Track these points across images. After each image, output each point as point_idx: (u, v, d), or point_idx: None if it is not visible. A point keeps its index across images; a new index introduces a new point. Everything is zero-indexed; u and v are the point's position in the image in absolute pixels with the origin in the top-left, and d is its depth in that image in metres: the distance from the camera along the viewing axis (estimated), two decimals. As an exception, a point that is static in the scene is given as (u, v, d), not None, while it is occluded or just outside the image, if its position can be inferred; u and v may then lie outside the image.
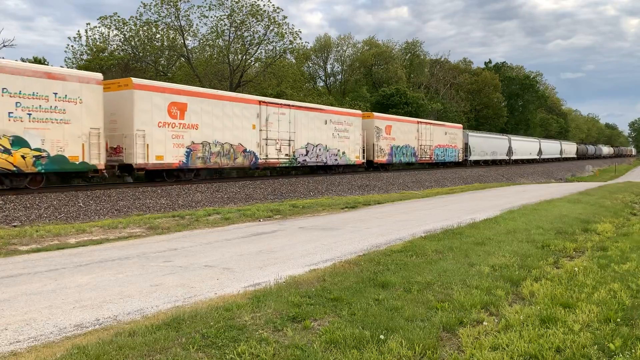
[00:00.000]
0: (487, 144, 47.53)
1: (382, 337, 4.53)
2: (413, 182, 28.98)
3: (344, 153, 27.75)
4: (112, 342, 4.38)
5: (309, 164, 25.63)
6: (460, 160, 41.44)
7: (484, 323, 5.03)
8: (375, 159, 30.60)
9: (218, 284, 6.75)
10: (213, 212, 14.56)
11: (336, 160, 27.17)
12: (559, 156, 71.95)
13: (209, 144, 19.84)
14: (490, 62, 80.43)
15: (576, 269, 7.17)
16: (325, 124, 26.31)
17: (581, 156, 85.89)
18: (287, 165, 23.94)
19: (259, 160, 22.05)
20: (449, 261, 7.59)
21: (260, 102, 22.50)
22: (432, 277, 6.57)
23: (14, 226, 12.12)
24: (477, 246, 8.80)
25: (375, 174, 29.39)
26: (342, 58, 57.69)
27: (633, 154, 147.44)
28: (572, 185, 30.70)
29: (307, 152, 25.07)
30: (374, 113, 31.59)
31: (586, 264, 7.54)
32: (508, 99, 72.92)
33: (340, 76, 58.79)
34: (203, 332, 4.61)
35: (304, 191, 21.53)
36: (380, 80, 55.35)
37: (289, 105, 24.26)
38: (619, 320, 5.02)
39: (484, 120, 66.51)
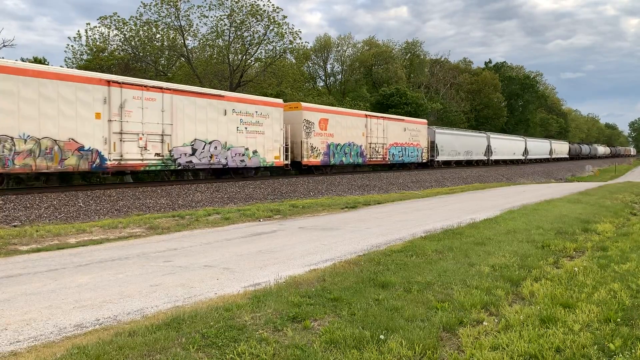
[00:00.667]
0: (460, 143, 42.29)
1: (382, 337, 4.53)
2: (413, 182, 28.98)
3: (255, 152, 21.96)
4: (112, 342, 4.38)
5: (197, 167, 19.92)
6: (424, 160, 36.32)
7: (484, 323, 5.03)
8: (305, 159, 25.06)
9: (218, 284, 6.75)
10: (213, 212, 14.56)
11: (243, 161, 21.42)
12: (548, 156, 66.86)
13: (11, 139, 14.44)
14: (490, 62, 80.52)
15: (576, 269, 7.17)
16: (225, 114, 20.74)
17: (574, 156, 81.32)
18: (159, 168, 18.61)
19: (108, 162, 16.71)
20: (449, 261, 7.59)
21: (109, 83, 16.99)
22: (432, 277, 6.57)
23: (14, 226, 12.12)
24: (477, 246, 8.80)
25: (376, 174, 29.36)
26: (342, 58, 57.72)
27: (632, 153, 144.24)
28: (572, 185, 30.70)
29: (195, 151, 19.53)
30: (302, 103, 25.70)
31: (586, 264, 7.54)
32: (508, 99, 72.92)
33: (340, 76, 58.82)
34: (203, 332, 4.61)
35: (304, 191, 21.53)
36: (380, 80, 55.35)
37: (160, 88, 18.58)
38: (619, 320, 5.02)
39: (484, 120, 66.52)
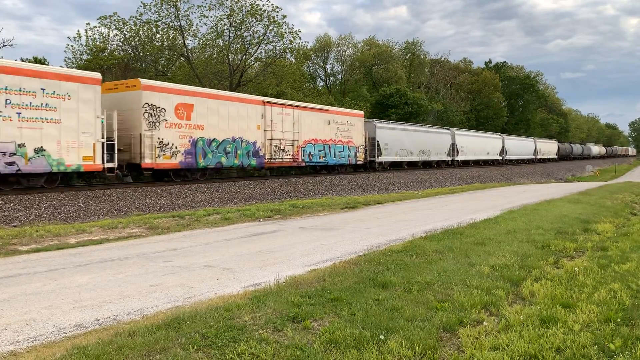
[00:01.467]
0: (412, 140, 35.18)
1: (382, 337, 4.53)
2: (413, 182, 28.97)
3: (40, 150, 14.70)
4: (112, 342, 4.38)
5: None
6: (360, 162, 29.30)
7: (484, 323, 5.03)
8: (148, 161, 17.63)
9: (218, 284, 6.74)
10: (213, 212, 14.56)
11: (14, 164, 14.20)
12: (532, 157, 60.23)
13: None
14: (490, 62, 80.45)
15: (576, 269, 7.16)
16: None
17: (564, 157, 74.84)
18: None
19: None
20: (449, 261, 7.59)
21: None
22: (432, 277, 6.56)
23: (14, 226, 12.11)
24: (477, 246, 8.79)
25: (376, 174, 29.28)
26: (342, 58, 57.71)
27: (629, 153, 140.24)
28: (572, 185, 30.70)
29: None
30: (142, 80, 18.11)
31: (586, 264, 7.54)
32: (508, 99, 72.88)
33: (340, 76, 58.80)
34: (203, 332, 4.61)
35: (304, 191, 21.53)
36: (380, 80, 55.34)
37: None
38: (619, 320, 5.02)
39: (484, 120, 66.48)
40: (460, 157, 41.70)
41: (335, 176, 26.26)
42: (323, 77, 59.33)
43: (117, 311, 5.56)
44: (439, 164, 38.47)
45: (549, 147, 67.33)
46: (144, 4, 35.31)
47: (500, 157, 50.61)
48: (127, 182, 18.41)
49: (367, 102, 47.71)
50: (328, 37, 57.93)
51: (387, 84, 52.08)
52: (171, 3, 35.71)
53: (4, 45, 30.70)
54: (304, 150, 24.83)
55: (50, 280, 6.98)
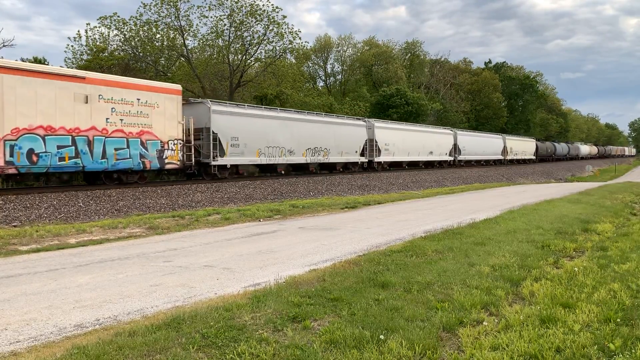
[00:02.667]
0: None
1: (382, 337, 4.53)
2: (413, 182, 28.97)
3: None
4: (112, 342, 4.38)
5: None
6: (175, 166, 19.02)
7: (484, 323, 5.03)
8: None
9: (218, 284, 6.75)
10: (213, 212, 14.56)
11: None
12: (500, 157, 49.09)
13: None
14: (490, 62, 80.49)
15: (576, 269, 7.17)
16: None
17: (546, 158, 64.07)
18: None
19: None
20: (449, 261, 7.59)
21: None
22: (432, 277, 6.57)
23: (14, 226, 12.11)
24: (477, 246, 8.80)
25: (376, 174, 29.35)
26: (342, 58, 57.74)
27: (626, 153, 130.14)
28: (572, 185, 30.71)
29: None
30: None
31: (586, 264, 7.54)
32: (508, 99, 72.90)
33: (340, 76, 58.83)
34: (203, 332, 4.61)
35: (304, 191, 21.53)
36: (380, 80, 55.36)
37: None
38: (619, 320, 5.02)
39: (484, 121, 66.50)
40: (385, 158, 31.96)
41: (336, 176, 26.30)
42: (323, 77, 59.40)
43: (118, 311, 5.56)
44: (351, 167, 30.16)
45: (523, 146, 56.38)
46: (144, 4, 35.37)
47: (451, 158, 39.89)
48: (127, 182, 18.35)
49: (367, 102, 47.73)
50: (328, 37, 58.03)
51: (387, 84, 52.11)
52: (171, 3, 35.74)
53: (4, 46, 30.71)
54: (11, 147, 14.33)
55: (51, 280, 6.98)
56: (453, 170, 37.46)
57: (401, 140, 33.45)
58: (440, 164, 39.54)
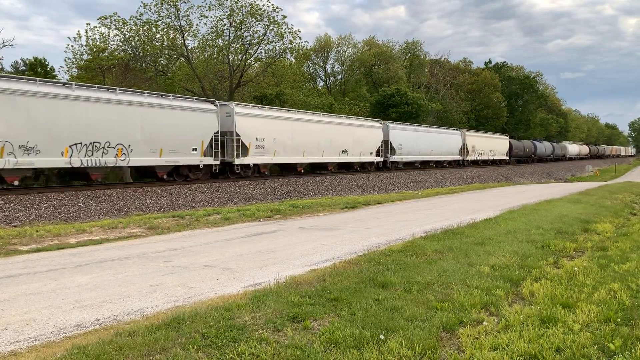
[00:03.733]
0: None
1: (382, 337, 4.53)
2: (413, 182, 28.97)
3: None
4: (112, 342, 4.38)
5: None
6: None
7: (484, 323, 5.03)
8: None
9: (218, 284, 6.75)
10: (213, 212, 14.56)
11: None
12: (456, 158, 40.84)
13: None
14: (490, 62, 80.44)
15: (576, 269, 7.17)
16: None
17: (522, 159, 56.04)
18: None
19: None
20: (449, 261, 7.59)
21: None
22: (432, 277, 6.57)
23: (14, 226, 12.11)
24: (477, 246, 8.80)
25: (376, 174, 29.37)
26: (342, 58, 57.71)
27: (623, 153, 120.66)
28: (572, 185, 30.71)
29: None
30: None
31: (586, 264, 7.54)
32: (508, 99, 72.87)
33: (340, 76, 58.80)
34: (203, 332, 4.61)
35: (304, 191, 21.53)
36: (381, 80, 55.34)
37: None
38: (619, 320, 5.02)
39: (484, 120, 66.48)
40: (247, 160, 22.56)
41: (336, 176, 26.29)
42: (323, 77, 59.37)
43: (118, 311, 5.56)
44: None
45: (492, 145, 47.35)
46: (144, 4, 35.34)
47: (380, 159, 31.95)
48: (127, 182, 18.37)
49: (367, 102, 47.72)
50: (328, 37, 58.01)
51: (387, 84, 52.09)
52: (171, 3, 35.72)
53: (4, 46, 30.73)
54: None
55: (51, 280, 6.98)
56: (453, 170, 37.50)
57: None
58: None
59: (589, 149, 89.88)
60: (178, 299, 6.00)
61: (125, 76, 34.54)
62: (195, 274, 7.27)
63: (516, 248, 8.64)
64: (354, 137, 29.23)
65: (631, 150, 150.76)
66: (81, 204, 14.72)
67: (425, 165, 36.78)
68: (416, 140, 35.19)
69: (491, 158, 48.18)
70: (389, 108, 45.35)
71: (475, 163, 45.56)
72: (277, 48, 38.81)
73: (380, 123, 32.84)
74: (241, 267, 7.71)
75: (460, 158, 42.69)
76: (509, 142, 52.83)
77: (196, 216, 13.56)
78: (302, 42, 40.49)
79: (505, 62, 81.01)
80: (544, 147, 64.49)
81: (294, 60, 43.07)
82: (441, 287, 6.16)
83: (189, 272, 7.43)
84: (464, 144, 41.90)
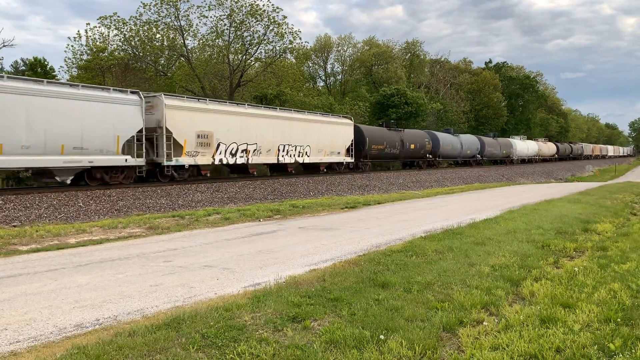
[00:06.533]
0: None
1: (382, 337, 4.53)
2: (413, 182, 28.97)
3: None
4: (112, 342, 4.38)
5: None
6: None
7: (484, 323, 5.03)
8: None
9: (218, 284, 6.74)
10: (213, 212, 14.56)
11: None
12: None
13: None
14: (490, 62, 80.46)
15: (576, 269, 7.17)
16: None
17: (411, 157, 35.66)
18: None
19: None
20: (449, 261, 7.59)
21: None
22: (432, 277, 6.56)
23: (14, 226, 12.11)
24: (477, 246, 8.80)
25: (376, 174, 29.36)
26: (342, 58, 57.68)
27: (610, 154, 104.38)
28: (572, 185, 30.71)
29: None
30: None
31: (586, 264, 7.54)
32: (508, 99, 72.85)
33: (340, 76, 58.77)
34: (203, 332, 4.61)
35: (304, 191, 21.53)
36: (380, 80, 55.31)
37: None
38: (619, 320, 5.02)
39: (484, 120, 66.46)
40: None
41: (336, 176, 26.26)
42: (323, 77, 59.34)
43: (117, 311, 5.56)
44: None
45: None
46: (144, 4, 35.36)
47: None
48: (127, 183, 18.29)
49: (366, 102, 47.70)
50: (328, 37, 57.98)
51: (387, 84, 52.07)
52: (171, 3, 35.74)
53: (4, 46, 30.72)
54: None
55: (51, 280, 6.98)
56: (453, 170, 37.46)
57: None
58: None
59: (557, 147, 67.08)
60: (178, 299, 6.00)
61: (125, 76, 34.55)
62: (195, 274, 7.27)
63: (516, 248, 8.63)
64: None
65: (625, 150, 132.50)
66: (81, 204, 14.71)
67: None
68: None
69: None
70: (389, 108, 45.35)
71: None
72: (277, 48, 38.87)
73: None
74: (241, 267, 7.71)
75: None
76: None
77: (196, 216, 13.56)
78: (302, 42, 40.53)
79: (505, 62, 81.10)
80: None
81: (294, 60, 43.07)
82: (441, 287, 6.16)
83: (189, 272, 7.43)
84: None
